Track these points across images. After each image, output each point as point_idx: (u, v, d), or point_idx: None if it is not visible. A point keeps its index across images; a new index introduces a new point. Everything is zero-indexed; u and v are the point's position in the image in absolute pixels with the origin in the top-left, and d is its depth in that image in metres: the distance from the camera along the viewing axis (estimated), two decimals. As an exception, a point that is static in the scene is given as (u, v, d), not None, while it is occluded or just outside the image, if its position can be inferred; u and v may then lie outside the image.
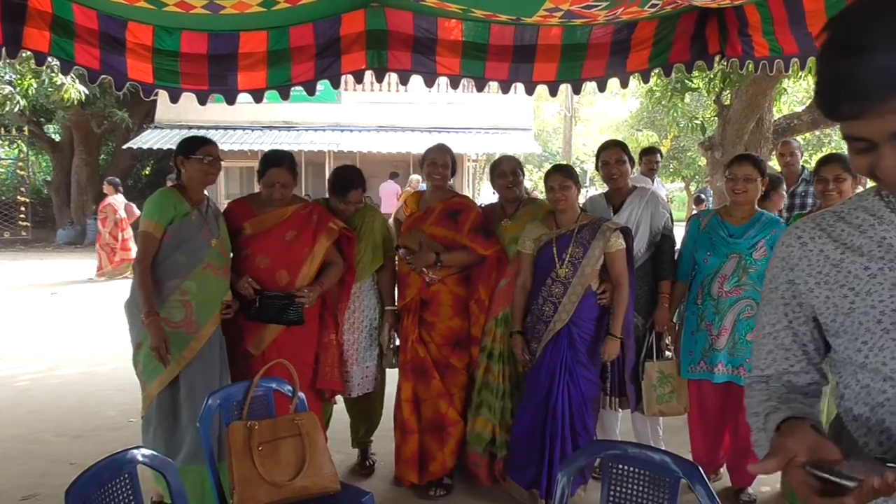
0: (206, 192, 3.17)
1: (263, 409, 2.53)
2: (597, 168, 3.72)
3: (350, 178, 3.51)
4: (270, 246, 3.21)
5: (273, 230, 3.23)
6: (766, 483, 3.54)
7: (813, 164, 3.49)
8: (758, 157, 3.45)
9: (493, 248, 3.45)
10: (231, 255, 3.19)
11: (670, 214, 3.60)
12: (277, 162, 3.21)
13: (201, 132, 16.41)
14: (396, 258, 3.61)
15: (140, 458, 1.86)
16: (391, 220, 4.28)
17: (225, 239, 3.14)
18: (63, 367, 5.87)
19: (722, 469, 3.57)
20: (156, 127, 16.54)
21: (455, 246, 3.46)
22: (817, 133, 13.18)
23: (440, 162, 3.52)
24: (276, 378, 2.67)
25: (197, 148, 3.07)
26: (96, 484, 1.72)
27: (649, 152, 6.95)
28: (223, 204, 3.42)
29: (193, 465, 2.88)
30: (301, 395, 2.57)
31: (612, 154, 3.59)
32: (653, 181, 6.56)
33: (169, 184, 3.31)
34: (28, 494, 3.43)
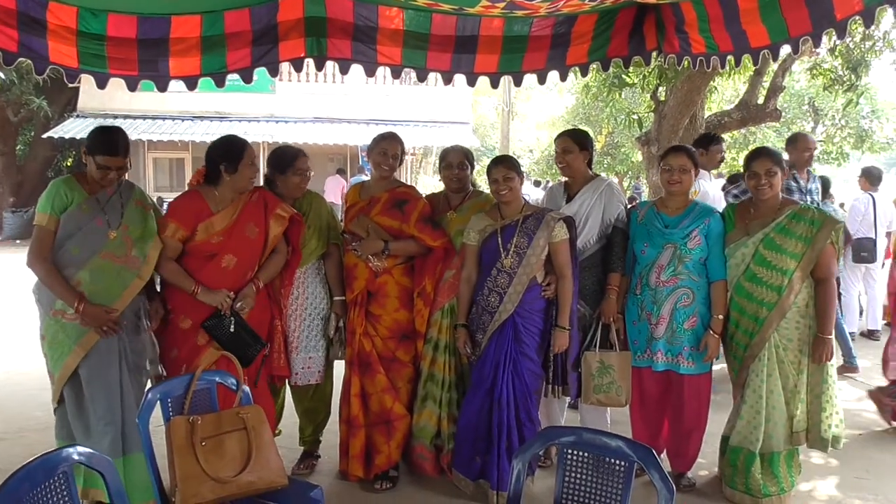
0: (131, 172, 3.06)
1: (206, 404, 2.45)
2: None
3: (292, 151, 3.48)
4: (237, 246, 3.09)
5: (234, 228, 3.10)
6: (705, 468, 3.67)
7: (741, 161, 3.62)
8: (692, 149, 3.56)
9: (442, 240, 3.44)
10: (143, 244, 3.00)
11: (625, 207, 3.59)
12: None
13: (128, 122, 15.85)
14: (342, 248, 3.55)
15: (76, 457, 1.77)
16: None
17: (131, 227, 2.97)
18: (-19, 368, 5.55)
19: (662, 455, 3.67)
20: (78, 116, 15.83)
21: (402, 236, 3.42)
22: (743, 131, 13.70)
23: (391, 152, 3.47)
24: (219, 371, 2.59)
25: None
26: (28, 485, 1.62)
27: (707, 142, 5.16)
28: (151, 197, 3.27)
29: (114, 458, 2.77)
30: (246, 388, 2.50)
31: (559, 143, 3.64)
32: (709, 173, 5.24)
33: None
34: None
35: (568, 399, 3.59)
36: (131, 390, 2.92)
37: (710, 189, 4.88)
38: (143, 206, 3.09)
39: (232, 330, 3.02)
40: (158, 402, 2.33)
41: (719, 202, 4.69)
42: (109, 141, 2.98)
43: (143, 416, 2.24)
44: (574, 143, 3.59)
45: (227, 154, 3.09)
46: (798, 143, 5.03)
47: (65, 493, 1.71)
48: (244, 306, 3.08)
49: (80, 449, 1.81)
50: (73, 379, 2.89)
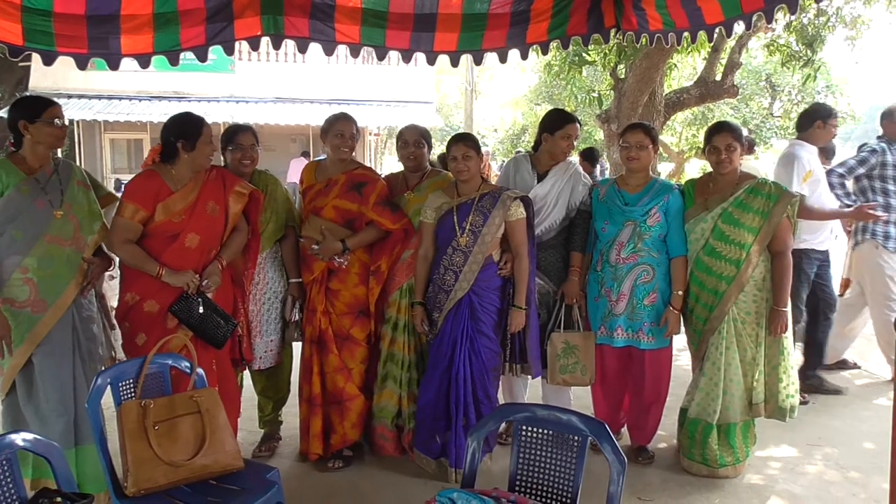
0: (53, 157, 2.94)
1: (159, 387, 2.42)
2: (545, 132, 3.59)
3: (234, 127, 3.47)
4: (199, 223, 2.99)
5: (195, 207, 3.00)
6: (664, 440, 3.75)
7: (700, 138, 3.62)
8: (649, 126, 3.58)
9: (401, 221, 3.42)
10: (89, 224, 2.94)
11: (589, 189, 3.58)
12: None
13: (82, 101, 15.41)
14: (298, 230, 3.51)
15: (20, 443, 1.74)
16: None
17: (75, 207, 2.88)
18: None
19: (623, 429, 3.73)
20: (30, 96, 15.32)
21: (360, 218, 3.39)
22: (702, 108, 13.87)
23: (348, 133, 3.42)
24: (172, 354, 2.55)
25: (43, 110, 2.82)
26: (-30, 472, 1.59)
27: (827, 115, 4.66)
28: (109, 179, 3.19)
29: (66, 449, 2.73)
30: (200, 371, 2.47)
31: (574, 129, 3.54)
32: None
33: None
34: None
35: (529, 377, 3.61)
36: (84, 380, 2.85)
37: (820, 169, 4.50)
38: (84, 185, 3.00)
39: (201, 311, 2.94)
40: (109, 386, 2.29)
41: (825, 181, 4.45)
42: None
43: (93, 400, 2.20)
44: (579, 131, 3.58)
45: (184, 131, 2.99)
46: (895, 114, 4.79)
47: (8, 479, 1.68)
48: (210, 284, 3.01)
49: (25, 435, 1.78)
50: (25, 368, 2.80)
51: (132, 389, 2.34)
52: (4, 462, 1.68)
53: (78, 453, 2.81)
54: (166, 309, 2.92)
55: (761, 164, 12.73)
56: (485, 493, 1.79)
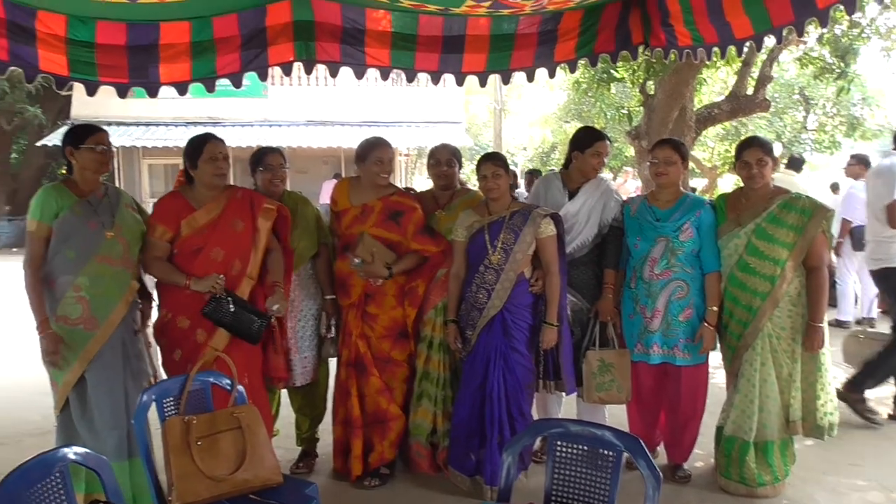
0: (103, 182, 3.09)
1: (201, 404, 2.49)
2: (576, 150, 3.61)
3: (263, 149, 3.57)
4: (223, 238, 3.11)
5: (219, 222, 3.12)
6: (700, 459, 3.70)
7: (733, 153, 3.57)
8: (678, 142, 3.59)
9: (443, 245, 3.46)
10: (136, 246, 3.07)
11: (622, 206, 3.58)
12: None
13: (121, 128, 15.85)
14: (339, 257, 3.54)
15: (72, 457, 1.80)
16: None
17: (125, 229, 3.01)
18: (-21, 375, 5.57)
19: (659, 447, 3.69)
20: (72, 123, 15.82)
21: (401, 249, 3.42)
22: (734, 123, 13.74)
23: (387, 159, 3.45)
24: (213, 371, 2.63)
25: (87, 137, 2.97)
26: (25, 484, 1.65)
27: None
28: (147, 203, 3.32)
29: (116, 462, 2.80)
30: (240, 387, 2.54)
31: (604, 146, 3.54)
32: None
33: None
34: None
35: (563, 394, 3.60)
36: (135, 394, 2.91)
37: None
38: (133, 209, 3.14)
39: (232, 310, 3.01)
40: (154, 403, 2.36)
41: None
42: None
43: (139, 417, 2.27)
44: (609, 148, 3.60)
45: (188, 153, 3.16)
46: None
47: (61, 492, 1.74)
48: (280, 309, 3.12)
49: (77, 449, 1.84)
50: (78, 384, 2.91)
51: (176, 406, 2.41)
52: (57, 475, 1.74)
53: (132, 465, 2.89)
54: (197, 323, 3.03)
55: (799, 178, 12.55)
56: (520, 508, 1.80)
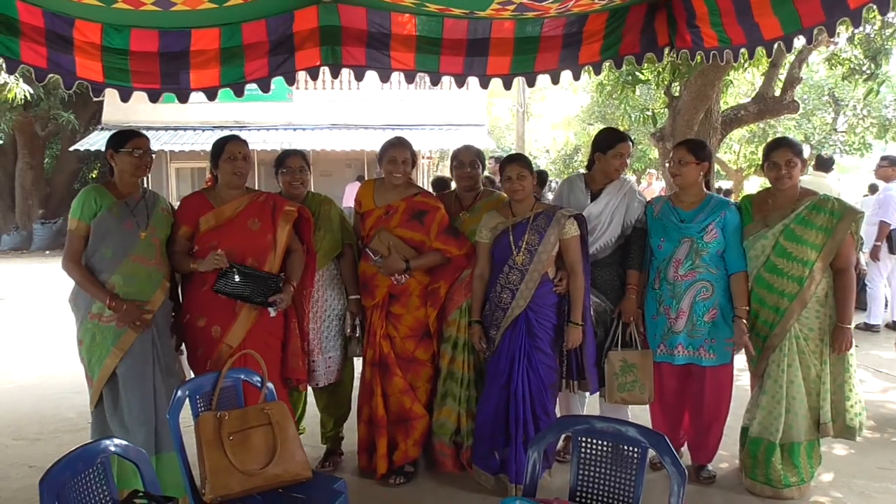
0: (142, 185, 3.22)
1: (233, 400, 2.55)
2: (598, 152, 3.64)
3: (285, 152, 3.67)
4: (236, 236, 3.22)
5: (235, 220, 3.25)
6: (725, 460, 3.69)
7: (760, 154, 3.53)
8: (697, 142, 3.58)
9: (466, 247, 3.48)
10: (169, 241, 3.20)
11: (645, 207, 3.59)
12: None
13: (150, 133, 16.11)
14: (362, 257, 3.60)
15: (112, 448, 1.87)
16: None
17: (159, 230, 3.14)
18: (16, 373, 5.73)
19: (683, 448, 3.69)
20: (103, 128, 16.10)
21: (423, 248, 3.46)
22: (762, 125, 13.59)
23: (401, 158, 3.49)
24: (244, 369, 2.69)
25: (126, 141, 3.11)
26: (70, 473, 1.73)
27: None
28: (175, 205, 3.42)
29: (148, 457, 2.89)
30: (270, 385, 2.59)
31: (625, 147, 3.56)
32: None
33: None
34: (-13, 499, 3.38)
35: (587, 394, 3.62)
36: (164, 391, 3.03)
37: None
38: (167, 212, 3.26)
39: (237, 279, 3.10)
40: (187, 399, 2.42)
41: None
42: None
43: (174, 412, 2.33)
44: (632, 149, 3.62)
45: (211, 154, 3.31)
46: None
47: (103, 481, 1.81)
48: (281, 305, 3.18)
49: (117, 441, 1.91)
50: (111, 380, 3.01)
51: (208, 402, 2.47)
52: (99, 465, 1.81)
53: (158, 461, 2.97)
54: (212, 321, 3.15)
55: (828, 180, 12.37)
56: (546, 503, 1.83)
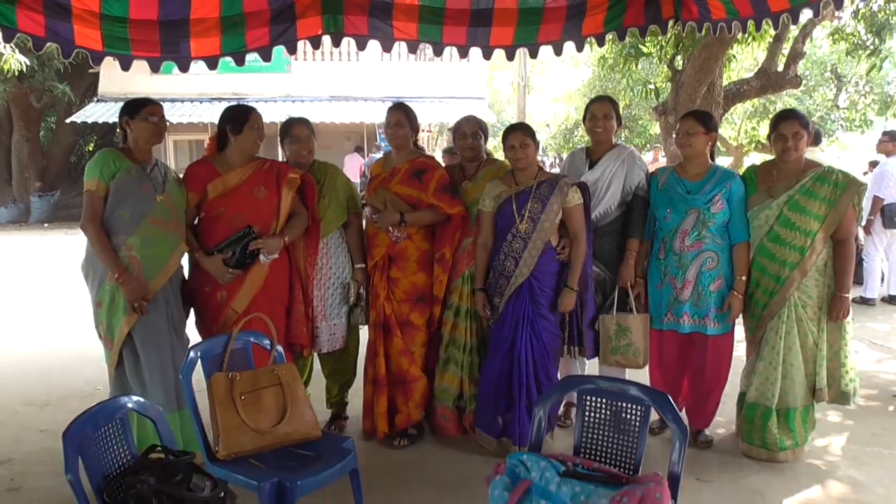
0: (154, 155, 3.25)
1: (243, 362, 2.61)
2: (584, 121, 3.74)
3: (290, 120, 3.66)
4: (244, 204, 3.26)
5: (241, 188, 3.28)
6: (721, 426, 3.76)
7: (761, 130, 3.56)
8: (703, 112, 3.60)
9: (459, 207, 3.53)
10: (183, 212, 3.24)
11: (646, 175, 3.63)
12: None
13: (148, 105, 15.99)
14: (364, 217, 3.67)
15: (130, 405, 1.92)
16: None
17: (174, 196, 3.18)
18: (20, 343, 5.78)
19: (681, 413, 3.75)
20: (99, 100, 16.02)
21: (421, 205, 3.52)
22: (763, 100, 13.55)
23: (393, 121, 3.58)
24: (254, 332, 2.74)
25: (141, 108, 3.14)
26: (92, 427, 1.78)
27: None
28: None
29: (170, 413, 2.97)
30: (279, 347, 2.65)
31: (600, 108, 3.64)
32: None
33: None
34: (1, 460, 3.44)
35: (587, 360, 3.69)
36: (180, 349, 3.10)
37: None
38: (178, 181, 3.31)
39: (231, 254, 3.18)
40: (199, 360, 2.48)
41: None
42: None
43: (186, 372, 2.39)
44: (613, 111, 3.64)
45: (232, 117, 3.32)
46: None
47: (121, 436, 1.87)
48: (267, 249, 3.22)
49: (135, 398, 1.97)
50: (128, 342, 3.07)
51: (219, 363, 2.52)
52: (118, 421, 1.87)
53: (181, 416, 3.04)
54: (216, 288, 3.21)
55: (826, 156, 12.37)
56: (552, 457, 1.89)
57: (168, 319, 3.12)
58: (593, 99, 3.79)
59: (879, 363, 5.08)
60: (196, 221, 3.36)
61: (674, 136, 3.50)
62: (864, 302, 6.89)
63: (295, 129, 3.59)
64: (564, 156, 20.80)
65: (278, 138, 3.66)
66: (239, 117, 3.30)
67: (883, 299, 7.12)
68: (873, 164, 9.50)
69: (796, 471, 3.31)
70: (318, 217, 3.52)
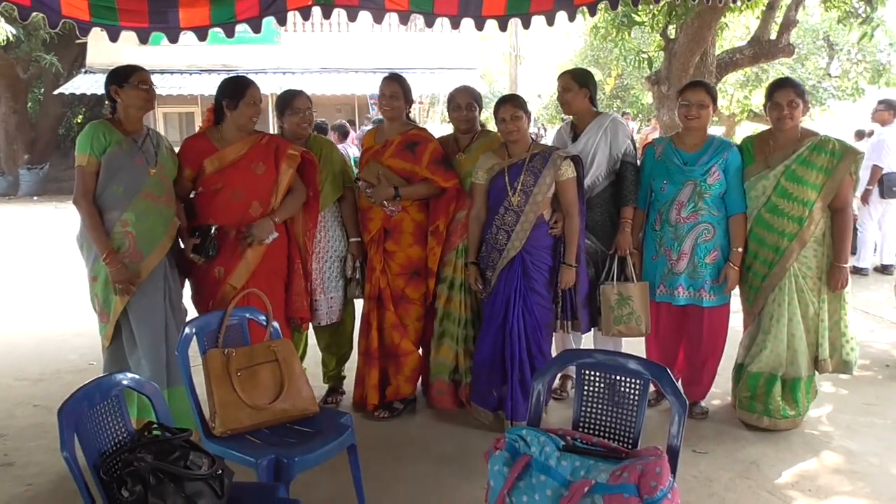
0: (145, 124, 3.17)
1: (239, 338, 2.59)
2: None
3: (291, 92, 3.59)
4: (242, 179, 3.21)
5: (240, 163, 3.22)
6: (717, 397, 3.79)
7: (753, 100, 3.53)
8: (709, 84, 3.57)
9: (454, 180, 3.50)
10: (173, 184, 3.18)
11: (633, 142, 3.62)
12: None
13: (136, 77, 15.76)
14: (357, 191, 3.64)
15: (126, 382, 1.91)
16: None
17: (166, 168, 3.12)
18: (14, 317, 5.75)
19: (677, 384, 3.77)
20: (87, 71, 15.77)
21: (414, 178, 3.49)
22: (755, 69, 13.46)
23: (388, 93, 3.53)
24: (249, 307, 2.72)
25: (130, 75, 3.04)
26: (87, 404, 1.76)
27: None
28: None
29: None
30: (275, 323, 2.63)
31: (560, 83, 3.64)
32: None
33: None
34: (-4, 436, 3.44)
35: (581, 335, 3.69)
36: (174, 325, 3.08)
37: None
38: (171, 152, 3.23)
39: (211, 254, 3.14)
40: (195, 336, 2.46)
41: None
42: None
43: (182, 348, 2.37)
44: (573, 82, 3.58)
45: (229, 91, 3.23)
46: None
47: (118, 413, 1.85)
48: (256, 234, 3.16)
49: (131, 375, 1.95)
50: (123, 317, 3.04)
51: (214, 339, 2.50)
52: (114, 398, 1.85)
53: (170, 394, 3.01)
54: (214, 263, 3.16)
55: (817, 125, 12.35)
56: (551, 432, 1.89)
57: (164, 294, 3.09)
58: (558, 76, 3.74)
59: (872, 333, 5.12)
60: (192, 195, 3.31)
61: (680, 105, 3.43)
62: (858, 272, 6.91)
63: (297, 102, 3.53)
64: (548, 126, 20.71)
65: (272, 110, 3.60)
66: (236, 91, 3.21)
67: (876, 269, 7.16)
68: (860, 135, 9.47)
69: (791, 441, 3.34)
70: (319, 191, 3.48)
